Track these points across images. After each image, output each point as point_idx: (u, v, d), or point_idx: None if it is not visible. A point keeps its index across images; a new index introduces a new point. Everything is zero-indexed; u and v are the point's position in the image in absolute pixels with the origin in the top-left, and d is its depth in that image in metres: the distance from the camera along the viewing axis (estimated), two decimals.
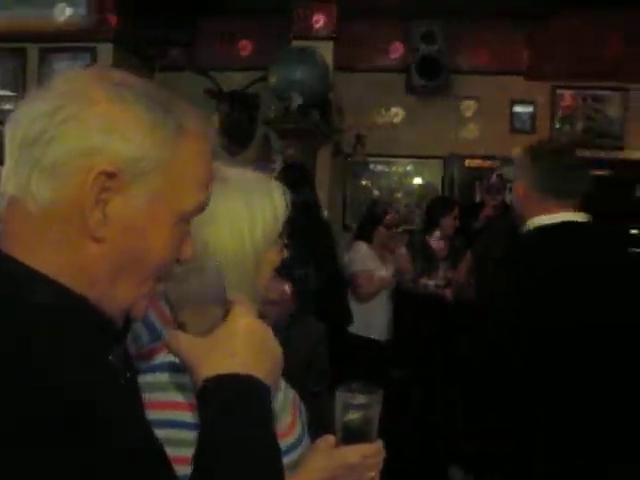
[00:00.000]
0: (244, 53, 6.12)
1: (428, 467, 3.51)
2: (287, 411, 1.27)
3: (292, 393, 1.33)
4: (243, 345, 0.94)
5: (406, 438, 2.75)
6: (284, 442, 1.18)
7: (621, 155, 6.13)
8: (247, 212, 1.18)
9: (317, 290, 3.02)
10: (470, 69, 6.12)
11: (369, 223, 4.53)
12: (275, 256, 1.24)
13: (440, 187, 6.24)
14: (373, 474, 1.18)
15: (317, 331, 2.49)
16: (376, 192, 6.31)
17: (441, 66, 6.01)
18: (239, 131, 5.81)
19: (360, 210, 5.47)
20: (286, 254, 1.27)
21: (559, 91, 6.19)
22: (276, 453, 0.93)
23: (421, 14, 5.85)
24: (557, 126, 6.20)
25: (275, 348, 1.00)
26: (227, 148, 5.36)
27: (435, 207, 4.75)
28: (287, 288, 2.03)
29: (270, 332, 1.00)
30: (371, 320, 4.21)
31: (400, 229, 4.73)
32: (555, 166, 2.25)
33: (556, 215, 2.21)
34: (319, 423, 1.38)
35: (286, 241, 1.27)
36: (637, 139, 6.15)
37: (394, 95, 6.22)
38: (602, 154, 6.07)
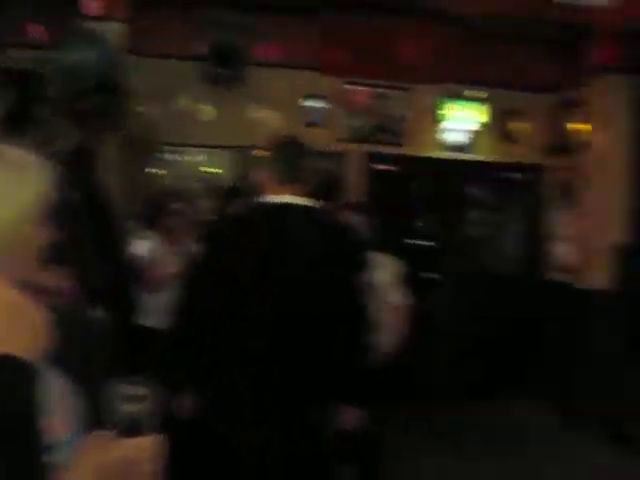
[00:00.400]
0: (30, 31, 5.72)
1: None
2: (59, 403, 1.22)
3: (69, 386, 1.29)
4: None
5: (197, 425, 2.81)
6: (55, 436, 1.14)
7: (402, 151, 6.56)
8: (3, 188, 1.16)
9: (101, 279, 2.82)
10: (265, 61, 6.18)
11: (158, 212, 4.46)
12: (38, 235, 1.20)
13: (232, 177, 6.24)
14: (150, 467, 1.18)
15: (100, 321, 2.47)
16: (167, 181, 6.18)
17: (236, 57, 6.05)
18: (20, 111, 5.42)
19: (150, 199, 5.25)
20: (57, 237, 1.23)
21: (350, 87, 6.46)
22: (34, 433, 0.92)
23: (219, 4, 5.83)
24: (346, 121, 6.45)
25: (37, 322, 1.00)
26: (4, 128, 5.04)
27: (227, 197, 4.74)
28: (65, 277, 1.96)
29: (31, 306, 1.00)
30: (158, 310, 4.06)
31: (190, 218, 4.63)
32: (283, 155, 2.68)
33: (280, 196, 2.62)
34: (99, 416, 1.38)
35: (59, 224, 1.23)
36: (418, 136, 6.62)
37: (189, 83, 6.15)
38: (386, 149, 6.49)
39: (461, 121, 6.65)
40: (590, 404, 5.87)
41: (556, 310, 6.45)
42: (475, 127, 6.67)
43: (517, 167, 6.85)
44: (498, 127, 6.69)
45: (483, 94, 6.61)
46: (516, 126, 6.69)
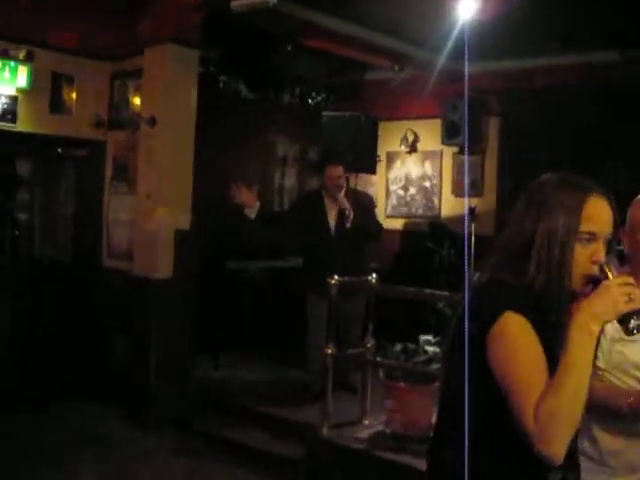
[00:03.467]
0: None
1: None
2: None
3: None
4: None
5: None
6: None
7: None
8: None
9: None
10: None
11: None
12: None
13: None
14: None
15: None
16: None
17: None
18: None
19: None
20: None
21: None
22: None
23: None
24: None
25: None
26: None
27: None
28: None
29: None
30: None
31: None
32: None
33: None
34: None
35: None
36: None
37: None
38: None
39: None
40: (160, 400, 6.10)
41: (114, 301, 6.46)
42: (14, 92, 6.19)
43: (69, 141, 6.70)
44: (45, 94, 6.38)
45: (23, 53, 6.12)
46: (68, 94, 6.49)
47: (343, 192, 6.26)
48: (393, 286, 6.20)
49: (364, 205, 6.42)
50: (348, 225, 6.15)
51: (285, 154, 9.00)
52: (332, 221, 6.23)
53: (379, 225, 6.60)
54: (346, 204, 6.17)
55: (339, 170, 6.23)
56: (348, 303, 5.88)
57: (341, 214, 6.21)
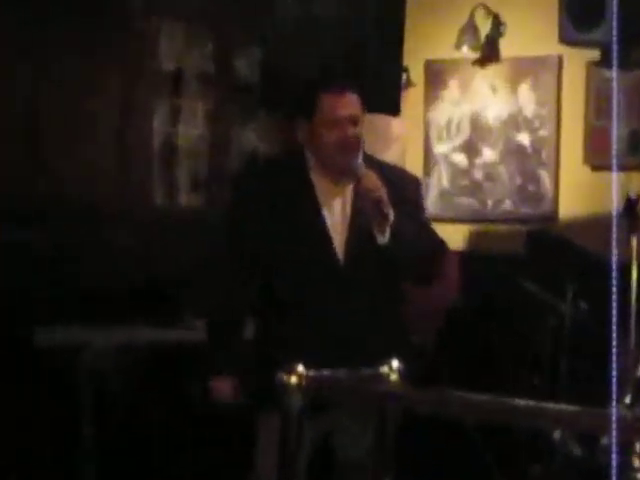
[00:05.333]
0: None
1: None
2: None
3: None
4: None
5: None
6: None
7: None
8: None
9: None
10: None
11: None
12: None
13: None
14: None
15: None
16: None
17: None
18: None
19: None
20: None
21: None
22: None
23: None
24: None
25: None
26: None
27: None
28: None
29: None
30: None
31: None
32: None
33: None
34: None
35: None
36: None
37: None
38: None
39: None
40: None
41: None
42: None
43: None
44: None
45: None
46: None
47: (361, 159, 5.04)
48: (441, 389, 5.80)
49: (404, 196, 5.32)
50: (384, 239, 5.20)
51: (179, 66, 7.61)
52: (339, 234, 5.33)
53: (439, 242, 5.61)
54: (380, 188, 5.04)
55: (352, 103, 5.46)
56: (341, 430, 5.67)
57: (358, 214, 5.28)
